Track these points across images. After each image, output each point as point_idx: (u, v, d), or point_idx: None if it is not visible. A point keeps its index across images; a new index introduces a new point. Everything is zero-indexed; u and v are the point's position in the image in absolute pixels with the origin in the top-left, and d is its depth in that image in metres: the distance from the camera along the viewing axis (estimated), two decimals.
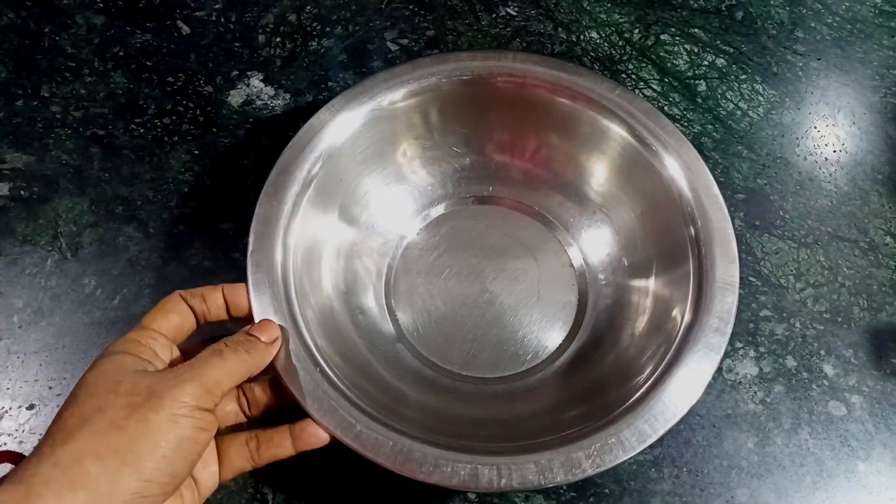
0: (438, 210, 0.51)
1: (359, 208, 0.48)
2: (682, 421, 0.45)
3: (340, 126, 0.45)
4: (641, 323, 0.44)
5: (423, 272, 0.49)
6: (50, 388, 0.45)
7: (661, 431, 0.36)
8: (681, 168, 0.44)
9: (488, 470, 0.34)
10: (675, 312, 0.41)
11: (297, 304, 0.39)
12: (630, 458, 0.35)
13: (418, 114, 0.48)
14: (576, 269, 0.49)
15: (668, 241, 0.44)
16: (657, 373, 0.38)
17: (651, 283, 0.45)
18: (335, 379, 0.37)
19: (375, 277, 0.48)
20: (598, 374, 0.43)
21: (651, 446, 0.44)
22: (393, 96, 0.46)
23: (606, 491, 0.43)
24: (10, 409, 0.44)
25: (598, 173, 0.49)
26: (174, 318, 0.36)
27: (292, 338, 0.37)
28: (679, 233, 0.43)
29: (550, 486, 0.35)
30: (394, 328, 0.47)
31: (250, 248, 0.40)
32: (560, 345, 0.47)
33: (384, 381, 0.42)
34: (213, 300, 0.37)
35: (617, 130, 0.46)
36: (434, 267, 0.49)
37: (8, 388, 0.45)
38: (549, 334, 0.47)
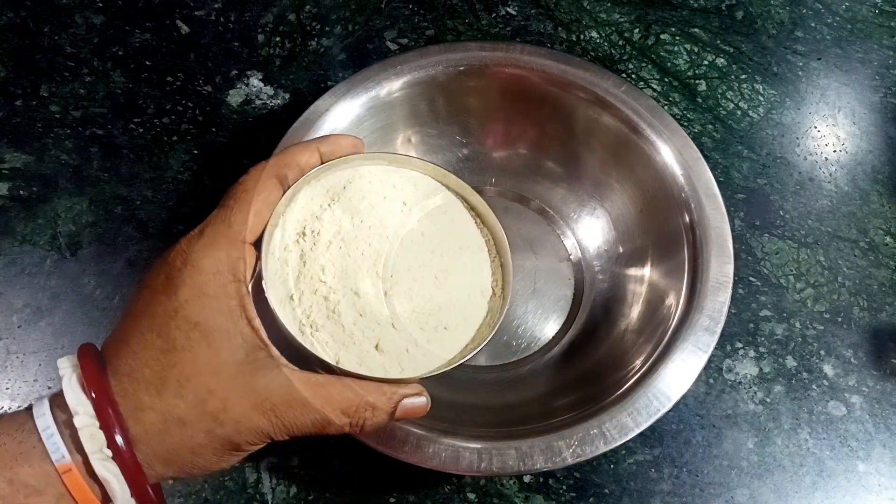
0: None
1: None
2: (681, 420, 0.45)
3: (341, 113, 0.45)
4: (635, 313, 0.44)
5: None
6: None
7: (644, 425, 0.36)
8: (675, 157, 0.44)
9: (469, 454, 0.35)
10: (669, 302, 0.41)
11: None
12: (609, 450, 0.36)
13: (419, 103, 0.48)
14: (573, 262, 0.49)
15: (663, 230, 0.44)
16: (645, 367, 0.38)
17: (646, 272, 0.45)
18: None
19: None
20: (588, 365, 0.44)
21: (651, 446, 0.44)
22: (392, 85, 0.46)
23: (606, 491, 0.43)
24: (10, 409, 0.44)
25: (597, 164, 0.49)
26: (265, 215, 0.29)
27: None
28: (674, 221, 0.43)
29: (530, 472, 0.35)
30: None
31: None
32: (553, 337, 0.47)
33: None
34: (311, 165, 0.31)
35: (616, 124, 0.46)
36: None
37: (7, 388, 0.45)
38: (543, 326, 0.47)
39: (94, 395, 0.24)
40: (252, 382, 0.25)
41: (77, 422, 0.24)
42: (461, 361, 0.29)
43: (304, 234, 0.30)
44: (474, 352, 0.29)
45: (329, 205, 0.31)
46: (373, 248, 0.30)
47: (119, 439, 0.24)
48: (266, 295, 0.28)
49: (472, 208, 0.33)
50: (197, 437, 0.25)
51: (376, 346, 0.28)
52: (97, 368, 0.25)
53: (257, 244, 0.29)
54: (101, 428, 0.24)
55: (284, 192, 0.30)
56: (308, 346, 0.28)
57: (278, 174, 0.29)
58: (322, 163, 0.31)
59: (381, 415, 0.27)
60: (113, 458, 0.24)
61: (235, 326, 0.26)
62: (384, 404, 0.27)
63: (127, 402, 0.25)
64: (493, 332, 0.30)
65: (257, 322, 0.27)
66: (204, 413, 0.25)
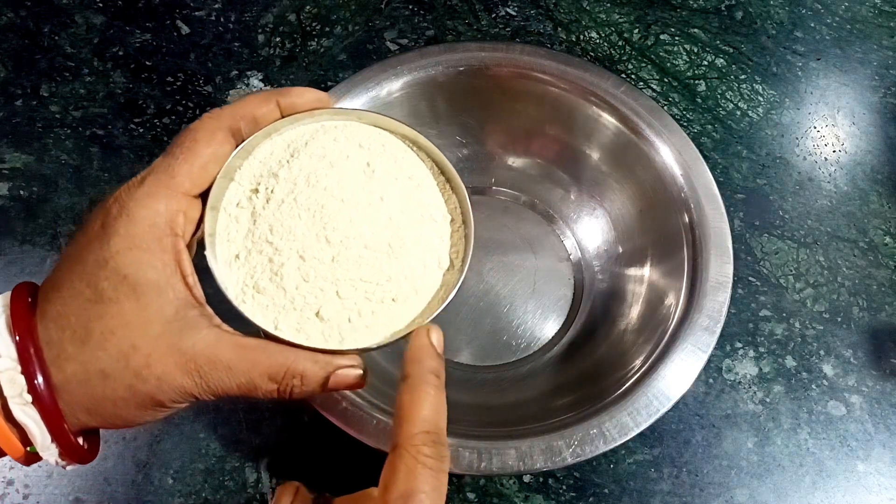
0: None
1: None
2: (680, 420, 0.45)
3: None
4: (635, 313, 0.44)
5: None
6: None
7: (644, 425, 0.36)
8: (675, 157, 0.44)
9: (469, 453, 0.35)
10: (669, 302, 0.41)
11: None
12: (609, 450, 0.36)
13: (419, 103, 0.48)
14: (573, 262, 0.49)
15: (663, 230, 0.44)
16: (645, 367, 0.38)
17: (646, 272, 0.45)
18: None
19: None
20: (588, 365, 0.44)
21: (650, 446, 0.44)
22: (392, 85, 0.46)
23: (606, 491, 0.43)
24: None
25: (596, 164, 0.49)
26: (212, 169, 0.27)
27: None
28: (674, 221, 0.43)
29: (530, 472, 0.35)
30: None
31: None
32: (553, 337, 0.47)
33: (373, 360, 0.42)
34: (268, 118, 0.29)
35: (616, 124, 0.46)
36: None
37: None
38: (542, 326, 0.47)
39: (18, 338, 0.24)
40: (178, 341, 0.25)
41: None
42: (403, 336, 0.27)
43: (257, 190, 0.28)
44: (417, 327, 0.28)
45: (288, 161, 0.29)
46: (326, 211, 0.28)
47: (39, 384, 0.24)
48: (205, 252, 0.27)
49: (442, 174, 0.31)
50: (119, 391, 0.24)
51: (317, 314, 0.27)
52: (26, 311, 0.25)
53: (205, 197, 0.27)
54: (22, 373, 0.24)
55: (238, 145, 0.28)
56: (244, 310, 0.27)
57: (231, 126, 0.28)
58: (282, 116, 0.29)
59: (312, 384, 0.26)
60: (33, 403, 0.24)
61: (167, 282, 0.25)
62: (315, 373, 0.26)
63: (51, 349, 0.24)
64: (443, 307, 0.28)
65: (192, 279, 0.26)
66: (126, 368, 0.24)
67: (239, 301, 0.27)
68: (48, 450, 0.25)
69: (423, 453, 0.23)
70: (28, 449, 0.25)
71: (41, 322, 0.25)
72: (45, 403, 0.24)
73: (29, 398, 0.24)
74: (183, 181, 0.26)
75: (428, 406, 0.25)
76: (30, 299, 0.25)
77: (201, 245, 0.28)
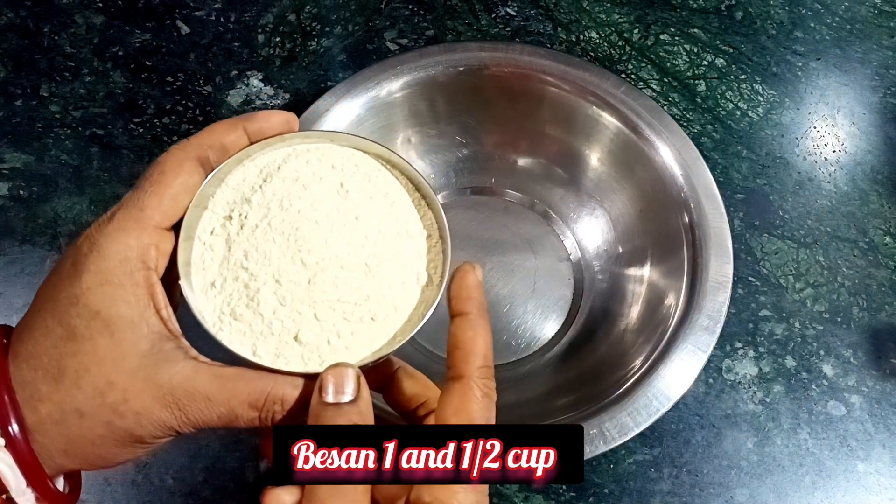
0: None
1: None
2: (680, 420, 0.45)
3: (341, 113, 0.45)
4: (635, 313, 0.44)
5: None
6: None
7: (644, 425, 0.36)
8: (675, 157, 0.44)
9: None
10: (669, 302, 0.41)
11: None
12: (609, 450, 0.36)
13: (419, 103, 0.48)
14: (573, 262, 0.49)
15: (663, 230, 0.45)
16: (644, 367, 0.39)
17: (646, 272, 0.45)
18: None
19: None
20: (588, 365, 0.44)
21: (650, 446, 0.44)
22: (392, 85, 0.46)
23: (606, 491, 0.43)
24: None
25: (596, 164, 0.49)
26: (182, 199, 0.27)
27: None
28: (674, 221, 0.43)
29: None
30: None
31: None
32: (553, 337, 0.47)
33: None
34: (237, 145, 0.29)
35: (616, 124, 0.46)
36: None
37: None
38: (542, 326, 0.47)
39: None
40: (154, 375, 0.24)
41: None
42: (384, 355, 0.27)
43: (231, 217, 0.28)
44: (399, 344, 0.28)
45: (261, 186, 0.29)
46: (300, 233, 0.27)
47: (13, 428, 0.23)
48: (180, 282, 0.27)
49: (417, 190, 0.31)
50: (96, 428, 0.24)
51: (296, 338, 0.27)
52: None
53: (177, 229, 0.27)
54: None
55: (208, 174, 0.28)
56: (221, 338, 0.27)
57: (199, 155, 0.27)
58: (251, 142, 0.29)
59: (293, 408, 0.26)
60: (6, 447, 0.23)
61: (141, 316, 0.25)
62: (296, 398, 0.26)
63: (24, 390, 0.24)
64: (423, 323, 0.28)
65: (166, 312, 0.26)
66: (103, 405, 0.24)
67: (216, 329, 0.27)
68: (24, 495, 0.24)
69: (488, 386, 0.26)
70: (4, 497, 0.24)
71: (13, 363, 0.24)
72: (19, 447, 0.23)
73: (2, 442, 0.23)
74: (153, 213, 0.26)
75: (486, 341, 0.26)
76: (5, 341, 0.25)
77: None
